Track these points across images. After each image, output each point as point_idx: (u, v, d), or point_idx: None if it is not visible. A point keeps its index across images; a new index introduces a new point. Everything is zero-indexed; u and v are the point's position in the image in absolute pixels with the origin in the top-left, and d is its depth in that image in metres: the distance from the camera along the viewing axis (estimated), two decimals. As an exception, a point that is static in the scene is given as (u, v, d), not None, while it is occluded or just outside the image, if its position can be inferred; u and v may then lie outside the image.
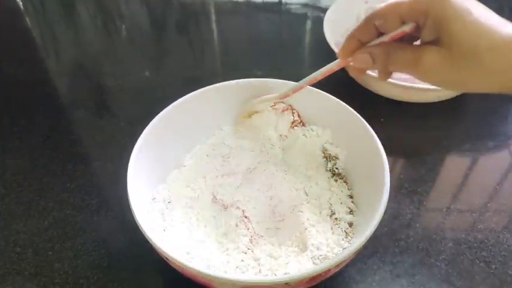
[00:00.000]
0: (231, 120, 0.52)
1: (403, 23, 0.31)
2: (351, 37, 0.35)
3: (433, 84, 0.32)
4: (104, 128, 0.60)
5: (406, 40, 0.33)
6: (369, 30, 0.33)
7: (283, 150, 0.52)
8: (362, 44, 0.34)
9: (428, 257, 0.45)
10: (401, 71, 0.32)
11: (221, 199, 0.47)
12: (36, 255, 0.46)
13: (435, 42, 0.30)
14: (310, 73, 0.41)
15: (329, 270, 0.35)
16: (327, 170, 0.49)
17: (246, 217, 0.45)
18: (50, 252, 0.46)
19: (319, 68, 0.40)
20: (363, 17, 0.74)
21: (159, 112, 0.46)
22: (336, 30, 0.66)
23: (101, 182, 0.53)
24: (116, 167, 0.54)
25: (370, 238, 0.35)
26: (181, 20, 0.84)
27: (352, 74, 0.37)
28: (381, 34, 0.33)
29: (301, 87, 0.44)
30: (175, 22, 0.83)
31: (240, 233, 0.43)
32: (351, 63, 0.36)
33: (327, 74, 0.39)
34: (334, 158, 0.49)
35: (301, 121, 0.52)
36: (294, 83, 0.46)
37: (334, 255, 0.39)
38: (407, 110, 0.61)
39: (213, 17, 0.84)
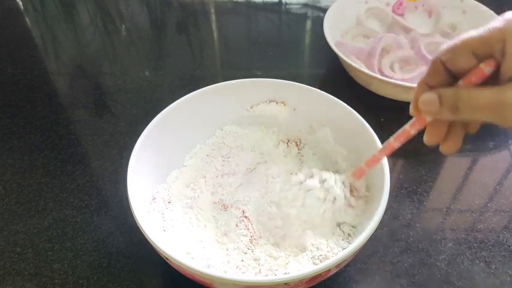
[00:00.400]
0: (231, 120, 0.52)
1: (478, 59, 0.26)
2: (421, 85, 0.30)
3: None
4: (103, 128, 0.60)
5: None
6: (438, 72, 0.28)
7: (283, 150, 0.52)
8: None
9: (428, 257, 0.45)
10: (478, 117, 0.26)
11: (221, 199, 0.47)
12: (36, 255, 0.46)
13: None
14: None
15: (329, 270, 0.35)
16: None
17: (246, 217, 0.45)
18: (50, 252, 0.46)
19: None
20: (363, 17, 0.74)
21: (159, 112, 0.46)
22: (336, 30, 0.66)
23: (101, 182, 0.53)
24: (116, 167, 0.54)
25: (370, 238, 0.35)
26: (181, 20, 0.84)
27: (426, 138, 0.31)
28: (454, 79, 0.28)
29: (376, 159, 0.37)
30: (175, 22, 0.83)
31: (240, 233, 0.43)
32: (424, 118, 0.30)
33: (402, 138, 0.33)
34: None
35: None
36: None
37: (334, 255, 0.39)
38: (407, 110, 0.61)
39: (213, 17, 0.84)
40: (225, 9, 0.86)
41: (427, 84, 0.29)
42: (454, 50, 0.27)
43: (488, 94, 0.25)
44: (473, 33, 0.26)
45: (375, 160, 0.37)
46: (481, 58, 0.26)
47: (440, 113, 0.28)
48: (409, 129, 0.32)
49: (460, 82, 0.27)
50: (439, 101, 0.27)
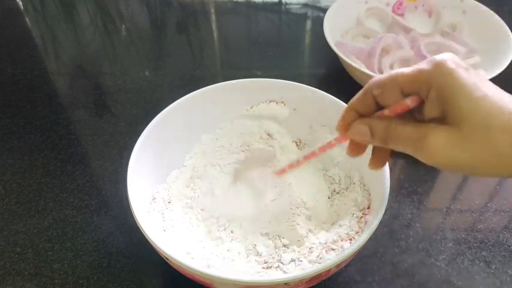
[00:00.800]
0: (231, 120, 0.52)
1: (405, 95, 0.28)
2: (349, 109, 0.31)
3: (438, 167, 0.27)
4: (103, 128, 0.60)
5: (409, 117, 0.29)
6: (368, 102, 0.30)
7: (284, 150, 0.52)
8: (361, 117, 0.31)
9: (428, 257, 0.45)
10: (402, 150, 0.29)
11: (221, 199, 0.47)
12: (36, 255, 0.46)
13: (439, 119, 0.27)
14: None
15: (329, 270, 0.35)
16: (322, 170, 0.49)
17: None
18: (50, 252, 0.46)
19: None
20: (363, 17, 0.74)
21: (159, 112, 0.46)
22: (336, 30, 0.66)
23: (101, 182, 0.53)
24: (116, 167, 0.54)
25: (370, 238, 0.35)
26: (181, 20, 0.84)
27: (349, 152, 0.34)
28: (380, 108, 0.30)
29: (298, 163, 0.41)
30: (175, 22, 0.83)
31: (240, 232, 0.43)
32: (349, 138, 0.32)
33: (326, 149, 0.37)
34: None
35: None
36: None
37: (334, 256, 0.39)
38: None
39: (213, 17, 0.84)
40: (225, 9, 0.86)
41: (356, 110, 0.31)
42: (384, 87, 0.29)
43: (411, 132, 0.27)
44: (401, 71, 0.28)
45: (299, 163, 0.40)
46: (407, 94, 0.28)
47: (370, 143, 0.31)
48: (334, 143, 0.35)
49: (386, 111, 0.29)
50: (371, 133, 0.30)
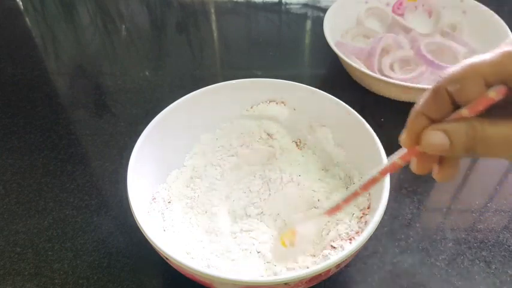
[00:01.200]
0: (230, 120, 0.52)
1: (488, 87, 0.23)
2: (417, 115, 0.25)
3: None
4: (103, 128, 0.60)
5: (494, 113, 0.23)
6: (442, 102, 0.24)
7: (284, 151, 0.52)
8: (432, 123, 0.25)
9: (428, 257, 0.45)
10: (494, 155, 0.23)
11: (221, 199, 0.47)
12: (36, 255, 0.46)
13: None
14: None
15: (329, 270, 0.35)
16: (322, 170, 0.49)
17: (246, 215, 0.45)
18: (50, 252, 0.46)
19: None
20: (363, 17, 0.74)
21: (159, 112, 0.46)
22: (336, 30, 0.66)
23: (101, 182, 0.53)
24: (116, 167, 0.54)
25: (370, 238, 0.35)
26: (181, 20, 0.84)
27: (416, 169, 0.27)
28: (457, 108, 0.24)
29: (355, 195, 0.32)
30: (175, 22, 0.83)
31: (240, 231, 0.43)
32: (419, 150, 0.26)
33: (391, 171, 0.29)
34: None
35: None
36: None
37: (334, 255, 0.39)
38: (407, 110, 0.61)
39: (213, 17, 0.84)
40: (225, 9, 0.86)
41: (426, 115, 0.25)
42: (462, 79, 0.23)
43: (506, 131, 0.23)
44: (481, 58, 0.23)
45: (353, 196, 0.32)
46: (490, 85, 0.23)
47: (450, 153, 0.24)
48: (400, 162, 0.28)
49: (464, 111, 0.23)
50: (450, 142, 0.24)
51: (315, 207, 0.45)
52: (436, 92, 0.24)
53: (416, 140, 0.25)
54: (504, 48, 0.22)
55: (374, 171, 0.30)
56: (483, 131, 0.23)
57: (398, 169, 0.28)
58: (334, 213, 0.34)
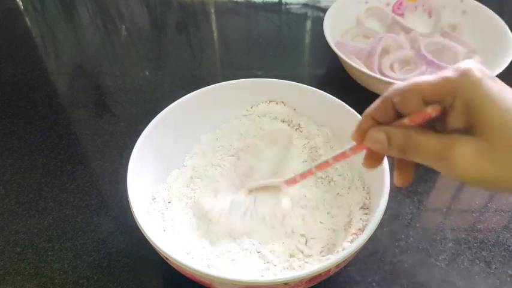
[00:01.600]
0: (230, 120, 0.52)
1: (426, 104, 0.27)
2: (366, 116, 0.30)
3: (462, 180, 0.26)
4: (103, 128, 0.60)
5: (428, 127, 0.27)
6: (387, 110, 0.28)
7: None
8: (378, 125, 0.29)
9: (428, 257, 0.45)
10: (422, 161, 0.27)
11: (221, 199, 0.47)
12: (36, 255, 0.46)
13: (463, 130, 0.26)
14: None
15: (329, 270, 0.35)
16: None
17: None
18: (50, 252, 0.46)
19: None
20: (363, 17, 0.74)
21: (159, 112, 0.46)
22: (336, 30, 0.66)
23: (101, 182, 0.53)
24: (116, 167, 0.54)
25: (370, 238, 0.35)
26: (181, 20, 0.84)
27: (365, 163, 0.32)
28: (399, 116, 0.28)
29: (310, 173, 0.39)
30: (175, 22, 0.83)
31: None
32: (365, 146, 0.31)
33: (340, 159, 0.34)
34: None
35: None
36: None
37: (334, 255, 0.39)
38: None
39: (213, 17, 0.84)
40: (225, 9, 0.86)
41: (373, 118, 0.29)
42: (405, 94, 0.27)
43: (434, 142, 0.26)
44: (425, 79, 0.27)
45: (309, 173, 0.39)
46: (429, 103, 0.27)
47: (387, 152, 0.29)
48: (349, 153, 0.33)
49: (405, 120, 0.27)
50: (388, 142, 0.28)
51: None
52: (384, 100, 0.28)
53: (364, 136, 0.30)
54: (447, 73, 0.26)
55: (327, 156, 0.36)
56: (415, 139, 0.27)
57: (346, 158, 0.34)
58: (292, 184, 0.41)
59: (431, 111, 0.26)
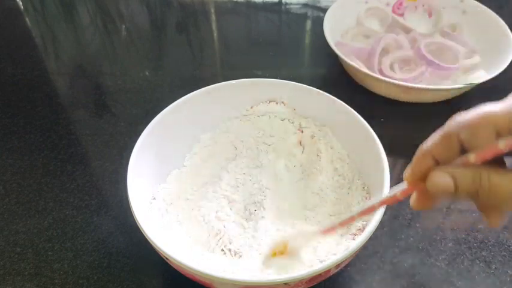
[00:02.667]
0: (231, 120, 0.52)
1: (499, 136, 0.23)
2: (425, 154, 0.26)
3: None
4: (103, 128, 0.60)
5: (496, 162, 0.24)
6: (450, 147, 0.24)
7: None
8: (438, 165, 0.26)
9: (428, 257, 0.45)
10: (498, 204, 0.24)
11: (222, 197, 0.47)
12: (36, 255, 0.46)
13: None
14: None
15: (329, 270, 0.35)
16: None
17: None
18: (50, 253, 0.46)
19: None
20: (363, 17, 0.74)
21: (159, 112, 0.46)
22: (336, 30, 0.66)
23: (101, 182, 0.53)
24: (116, 167, 0.54)
25: (370, 238, 0.35)
26: (181, 20, 0.84)
27: (415, 204, 0.28)
28: (463, 152, 0.25)
29: (351, 220, 0.34)
30: (175, 22, 0.83)
31: (240, 231, 0.43)
32: (424, 188, 0.26)
33: (389, 203, 0.30)
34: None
35: None
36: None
37: (334, 255, 0.39)
38: (407, 110, 0.61)
39: (213, 17, 0.84)
40: (225, 9, 0.86)
41: (432, 156, 0.25)
42: (474, 128, 0.23)
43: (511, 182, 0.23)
44: (494, 107, 0.23)
45: (352, 219, 0.34)
46: (500, 135, 0.23)
47: (452, 197, 0.25)
48: (400, 197, 0.29)
49: (471, 157, 0.24)
50: (455, 186, 0.24)
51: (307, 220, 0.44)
52: (447, 136, 0.25)
53: (420, 177, 0.26)
54: None
55: (374, 200, 0.31)
56: (489, 180, 0.23)
57: (396, 202, 0.29)
58: (330, 233, 0.36)
59: (504, 146, 0.22)
